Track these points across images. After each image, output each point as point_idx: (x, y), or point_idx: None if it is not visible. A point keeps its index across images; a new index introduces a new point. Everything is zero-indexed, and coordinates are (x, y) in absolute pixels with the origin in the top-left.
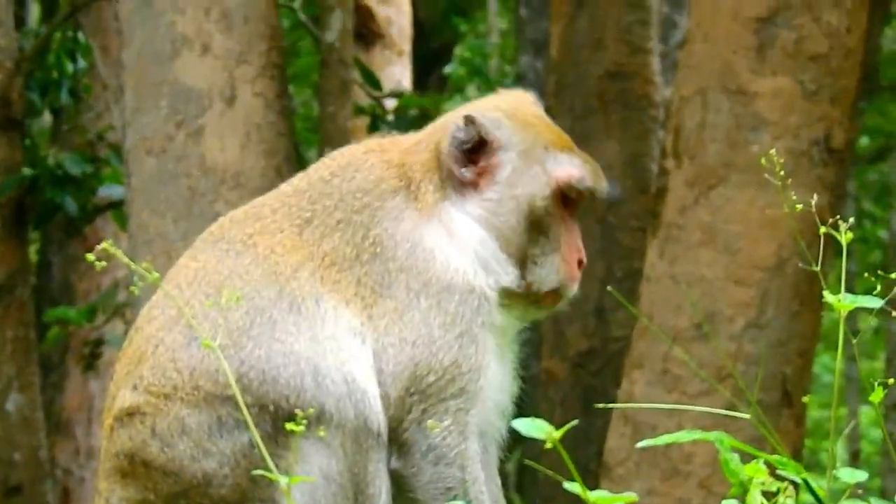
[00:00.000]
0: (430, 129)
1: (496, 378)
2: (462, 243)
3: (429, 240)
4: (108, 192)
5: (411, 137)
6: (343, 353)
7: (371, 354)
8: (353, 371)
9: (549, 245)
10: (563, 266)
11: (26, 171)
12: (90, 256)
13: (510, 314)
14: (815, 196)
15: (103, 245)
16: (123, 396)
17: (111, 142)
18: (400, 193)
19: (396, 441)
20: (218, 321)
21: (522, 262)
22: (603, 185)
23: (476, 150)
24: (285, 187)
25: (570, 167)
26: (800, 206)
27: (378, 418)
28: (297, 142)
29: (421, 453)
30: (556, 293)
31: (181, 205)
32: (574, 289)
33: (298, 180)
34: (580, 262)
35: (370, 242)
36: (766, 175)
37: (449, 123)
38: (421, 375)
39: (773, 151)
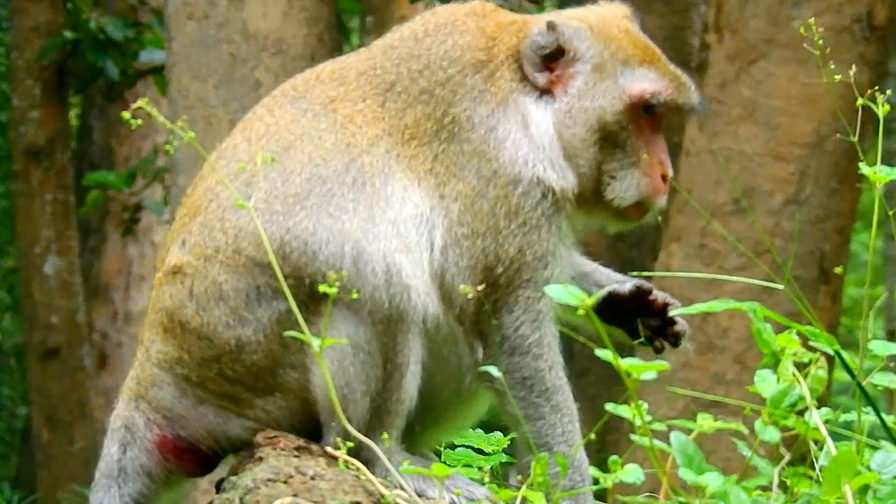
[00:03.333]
0: (529, 17)
1: (566, 265)
2: (534, 137)
3: (503, 129)
4: (149, 56)
5: (510, 15)
6: (396, 242)
7: (440, 245)
8: (400, 262)
9: (626, 159)
10: (644, 180)
11: (68, 34)
12: (126, 114)
13: (590, 222)
14: (855, 70)
15: (139, 103)
16: (173, 251)
17: (153, 6)
18: (482, 71)
19: (474, 333)
20: (277, 183)
21: (597, 177)
22: (688, 98)
23: (555, 57)
24: (376, 45)
25: (646, 82)
26: (838, 78)
27: (419, 312)
28: (340, 11)
29: (496, 344)
30: (640, 206)
31: (222, 70)
32: (661, 202)
33: (391, 36)
34: (664, 176)
35: (449, 120)
36: (806, 46)
37: (531, 24)
38: (490, 267)
39: (811, 21)
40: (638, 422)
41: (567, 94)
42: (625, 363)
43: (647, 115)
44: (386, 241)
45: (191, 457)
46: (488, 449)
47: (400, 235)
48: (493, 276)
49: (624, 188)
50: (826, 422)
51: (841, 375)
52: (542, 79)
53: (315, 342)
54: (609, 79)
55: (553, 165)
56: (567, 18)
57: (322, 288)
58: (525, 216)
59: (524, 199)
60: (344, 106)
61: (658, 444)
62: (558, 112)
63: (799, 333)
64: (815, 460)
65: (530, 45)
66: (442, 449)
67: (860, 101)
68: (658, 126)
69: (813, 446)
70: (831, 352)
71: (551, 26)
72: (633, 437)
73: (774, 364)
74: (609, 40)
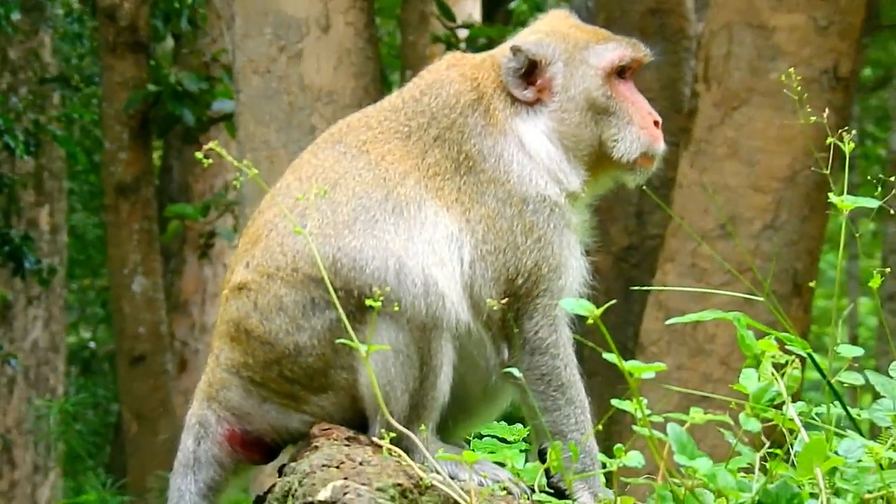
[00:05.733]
0: (496, 50)
1: (577, 273)
2: (534, 156)
3: (507, 154)
4: (220, 106)
5: (477, 56)
6: (432, 257)
7: (468, 260)
8: (436, 275)
9: (620, 121)
10: (642, 132)
11: (151, 87)
12: (199, 154)
13: (608, 182)
14: (827, 114)
15: (211, 145)
16: (237, 272)
17: (223, 63)
18: (477, 109)
19: (500, 337)
20: (327, 213)
21: (602, 150)
22: (644, 52)
23: (531, 72)
24: (384, 103)
25: (611, 53)
26: (814, 119)
27: (452, 319)
28: (383, 66)
29: (518, 346)
30: (646, 156)
31: (282, 117)
32: (661, 146)
33: (394, 98)
34: (657, 122)
35: (464, 157)
36: (786, 92)
37: (499, 56)
38: (511, 279)
39: (791, 71)
40: (639, 415)
41: (555, 94)
42: (628, 365)
43: (621, 78)
44: (423, 256)
45: (256, 448)
46: (510, 438)
47: (435, 252)
48: (514, 287)
49: (628, 144)
50: (800, 414)
51: (812, 375)
52: (529, 94)
53: (362, 348)
54: (581, 65)
55: (553, 175)
56: (524, 36)
57: (368, 301)
58: (539, 233)
59: (536, 216)
60: (375, 147)
61: (656, 433)
62: (554, 112)
63: (776, 339)
64: (790, 447)
65: (507, 72)
66: (471, 438)
67: (829, 140)
68: (633, 86)
69: (789, 435)
70: (804, 354)
71: (515, 49)
72: (635, 427)
73: (756, 365)
74: (565, 37)
